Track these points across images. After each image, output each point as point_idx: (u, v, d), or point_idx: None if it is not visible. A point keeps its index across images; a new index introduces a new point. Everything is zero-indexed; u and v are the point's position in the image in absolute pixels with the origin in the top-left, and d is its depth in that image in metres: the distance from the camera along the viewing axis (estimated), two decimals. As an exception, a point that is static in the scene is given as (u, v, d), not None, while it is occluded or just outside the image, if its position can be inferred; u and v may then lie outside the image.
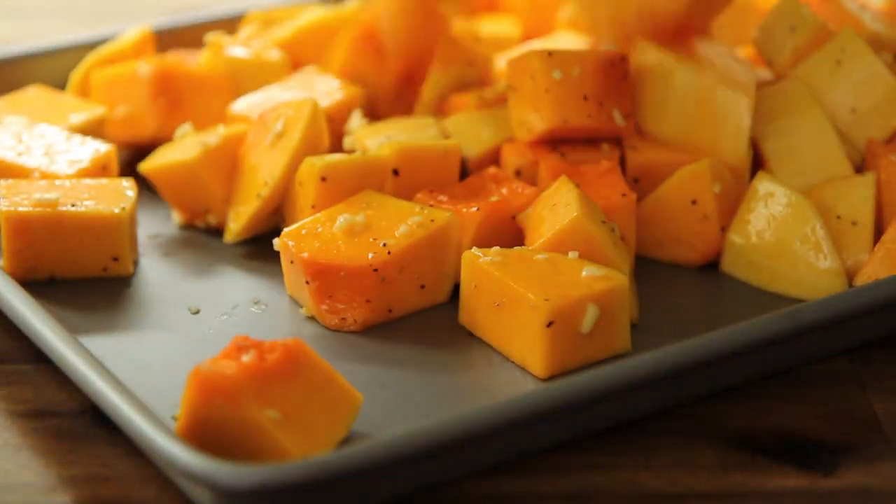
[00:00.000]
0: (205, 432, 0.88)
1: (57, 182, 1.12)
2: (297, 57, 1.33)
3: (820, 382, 1.00)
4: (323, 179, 1.09)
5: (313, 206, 1.09)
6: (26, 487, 0.90)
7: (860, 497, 0.90)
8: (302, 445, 0.88)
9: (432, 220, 1.06)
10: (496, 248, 1.03)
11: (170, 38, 1.41)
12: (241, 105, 1.23)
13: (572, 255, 1.02)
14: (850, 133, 1.18)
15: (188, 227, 1.18)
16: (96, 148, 1.18)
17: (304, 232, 1.05)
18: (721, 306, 1.09)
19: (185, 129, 1.20)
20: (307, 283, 1.04)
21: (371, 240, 1.04)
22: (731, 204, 1.12)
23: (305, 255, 1.03)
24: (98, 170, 1.16)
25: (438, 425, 0.87)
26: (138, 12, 1.70)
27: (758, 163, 1.16)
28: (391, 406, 0.96)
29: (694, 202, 1.11)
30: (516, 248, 1.03)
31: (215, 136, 1.16)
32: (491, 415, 0.88)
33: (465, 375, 1.00)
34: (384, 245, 1.04)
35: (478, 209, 1.07)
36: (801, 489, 0.90)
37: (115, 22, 1.57)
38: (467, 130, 1.20)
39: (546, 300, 0.97)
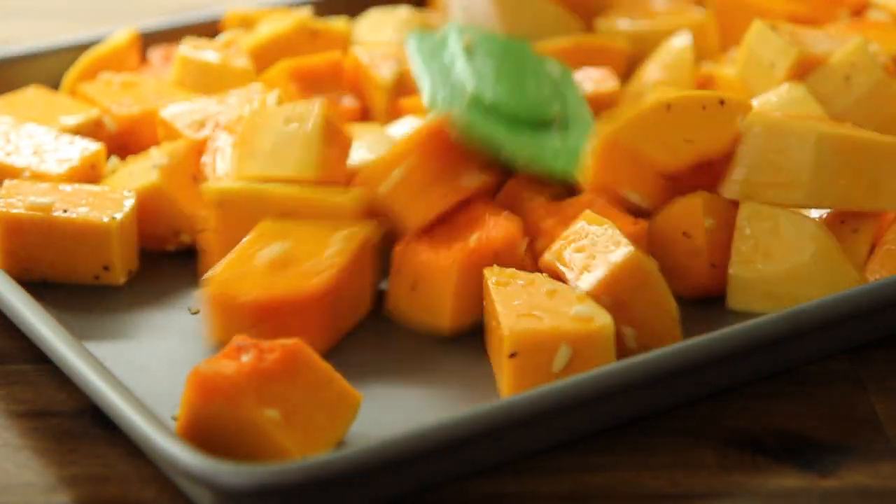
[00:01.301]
0: (205, 432, 0.88)
1: (60, 186, 1.11)
2: (266, 65, 1.33)
3: (820, 382, 1.00)
4: (219, 206, 1.06)
5: (214, 231, 1.06)
6: (26, 487, 0.90)
7: (860, 497, 0.90)
8: (302, 445, 0.88)
9: (355, 234, 1.03)
10: (511, 270, 1.01)
11: (157, 41, 1.41)
12: (169, 113, 1.22)
13: (579, 286, 0.99)
14: None
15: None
16: (85, 147, 1.18)
17: (228, 275, 1.00)
18: (721, 307, 1.08)
19: (114, 162, 1.19)
20: (252, 327, 0.98)
21: (304, 268, 1.00)
22: (727, 240, 1.07)
23: (247, 297, 0.98)
24: (87, 168, 1.16)
25: (438, 425, 0.87)
26: (138, 13, 1.69)
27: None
28: (391, 406, 0.96)
29: (685, 234, 1.07)
30: (535, 275, 1.00)
31: (161, 156, 1.15)
32: (491, 415, 0.88)
33: (465, 376, 1.00)
34: (323, 269, 1.00)
35: (454, 261, 1.02)
36: (801, 489, 0.90)
37: (114, 22, 1.56)
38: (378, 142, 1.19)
39: (510, 331, 0.94)
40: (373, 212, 1.06)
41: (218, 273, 1.00)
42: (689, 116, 1.07)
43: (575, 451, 0.93)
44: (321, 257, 1.01)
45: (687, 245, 1.07)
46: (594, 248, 1.01)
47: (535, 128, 1.14)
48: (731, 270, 1.06)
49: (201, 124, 1.19)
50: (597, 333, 0.95)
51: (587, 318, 0.95)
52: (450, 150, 1.08)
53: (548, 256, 1.03)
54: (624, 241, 1.00)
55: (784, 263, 1.04)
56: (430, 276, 1.03)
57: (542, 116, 1.15)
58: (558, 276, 1.01)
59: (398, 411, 0.96)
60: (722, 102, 1.08)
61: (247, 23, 1.42)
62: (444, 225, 1.06)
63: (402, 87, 1.30)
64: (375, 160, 1.09)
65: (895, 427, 0.96)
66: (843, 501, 0.90)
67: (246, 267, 1.01)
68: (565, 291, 0.98)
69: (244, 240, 1.03)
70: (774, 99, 1.18)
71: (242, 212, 1.06)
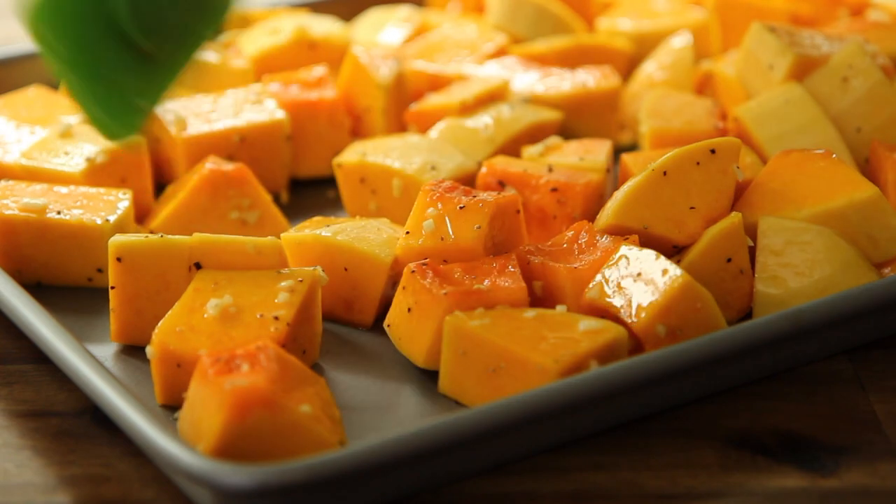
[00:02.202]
0: (241, 446, 0.87)
1: (55, 187, 1.11)
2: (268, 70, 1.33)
3: (820, 382, 1.00)
4: (119, 260, 1.00)
5: (113, 288, 1.01)
6: (26, 487, 0.90)
7: (860, 497, 0.90)
8: (333, 434, 0.89)
9: (300, 280, 0.99)
10: (480, 310, 0.97)
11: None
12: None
13: (560, 308, 0.98)
14: (854, 152, 1.16)
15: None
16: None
17: (179, 329, 0.95)
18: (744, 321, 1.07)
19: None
20: None
21: (258, 316, 0.96)
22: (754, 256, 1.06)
23: (204, 352, 0.93)
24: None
25: (438, 425, 0.87)
26: (138, 12, 1.69)
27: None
28: (391, 407, 0.96)
29: (729, 260, 1.03)
30: (500, 308, 0.98)
31: (100, 155, 1.16)
32: (491, 415, 0.88)
33: (465, 375, 1.00)
34: (277, 318, 0.96)
35: (446, 293, 0.98)
36: (801, 489, 0.90)
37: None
38: (459, 141, 1.20)
39: (555, 361, 0.92)
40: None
41: (164, 327, 0.96)
42: (685, 177, 1.04)
43: (576, 451, 0.93)
44: (270, 307, 0.97)
45: (731, 269, 1.03)
46: (641, 278, 0.98)
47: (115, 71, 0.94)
48: (757, 287, 1.03)
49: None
50: (615, 341, 0.94)
51: (598, 330, 0.95)
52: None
53: (590, 294, 0.99)
54: (672, 266, 0.97)
55: (810, 277, 1.02)
56: (423, 303, 0.99)
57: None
58: (604, 313, 0.98)
59: (398, 412, 0.96)
60: (713, 151, 1.05)
61: (246, 22, 1.42)
62: (465, 266, 1.01)
63: (402, 87, 1.30)
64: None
65: (895, 427, 0.96)
66: (843, 501, 0.90)
67: (195, 320, 0.96)
68: (544, 314, 0.96)
69: (186, 293, 0.98)
70: (772, 100, 1.18)
71: (147, 265, 1.01)
